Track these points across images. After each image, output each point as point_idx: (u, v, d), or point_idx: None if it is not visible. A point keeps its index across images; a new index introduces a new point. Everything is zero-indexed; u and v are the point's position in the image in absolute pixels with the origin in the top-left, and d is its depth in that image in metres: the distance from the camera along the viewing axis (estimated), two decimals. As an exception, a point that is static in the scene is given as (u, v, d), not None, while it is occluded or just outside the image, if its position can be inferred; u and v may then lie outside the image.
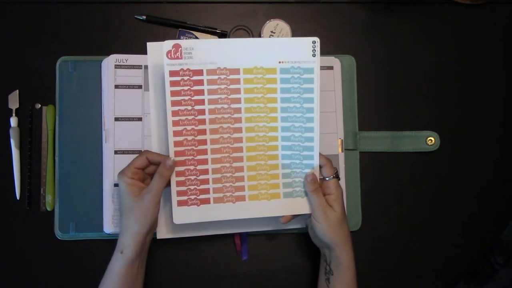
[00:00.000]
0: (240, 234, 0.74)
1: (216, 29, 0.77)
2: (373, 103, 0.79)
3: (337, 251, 0.65)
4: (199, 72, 0.65)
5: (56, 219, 0.72)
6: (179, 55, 0.64)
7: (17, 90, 0.74)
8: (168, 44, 0.64)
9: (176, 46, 0.64)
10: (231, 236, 0.74)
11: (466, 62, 0.81)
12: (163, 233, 0.69)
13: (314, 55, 0.66)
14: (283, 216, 0.68)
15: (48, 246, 0.73)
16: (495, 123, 0.80)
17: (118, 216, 0.69)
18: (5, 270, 0.72)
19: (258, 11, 0.79)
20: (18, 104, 0.74)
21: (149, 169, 0.64)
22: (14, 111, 0.74)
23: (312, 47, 0.66)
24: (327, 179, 0.67)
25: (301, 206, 0.68)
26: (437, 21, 0.81)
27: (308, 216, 0.68)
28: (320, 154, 0.67)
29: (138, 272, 0.63)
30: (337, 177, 0.67)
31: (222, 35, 0.77)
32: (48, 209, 0.73)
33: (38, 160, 0.74)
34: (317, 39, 0.65)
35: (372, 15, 0.80)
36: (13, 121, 0.74)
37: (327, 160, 0.68)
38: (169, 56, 0.64)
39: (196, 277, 0.74)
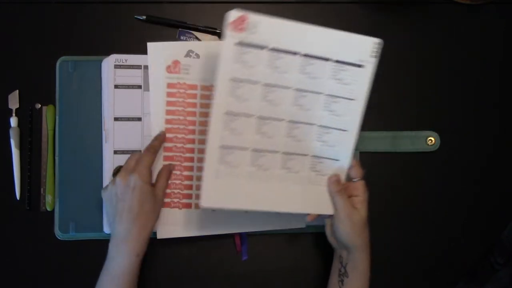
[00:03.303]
0: (240, 234, 0.74)
1: (216, 29, 0.77)
2: (373, 103, 0.78)
3: (356, 254, 0.65)
4: (194, 87, 0.69)
5: (56, 219, 0.72)
6: (177, 70, 0.67)
7: (17, 90, 0.74)
8: (167, 60, 0.67)
9: (175, 63, 0.67)
10: (231, 236, 0.74)
11: (466, 62, 0.80)
12: (163, 233, 0.69)
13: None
14: (309, 214, 0.66)
15: (48, 246, 0.73)
16: (495, 123, 0.80)
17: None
18: (5, 270, 0.73)
19: (258, 11, 0.78)
20: (18, 104, 0.74)
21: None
22: (14, 111, 0.74)
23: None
24: (354, 180, 0.66)
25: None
26: (437, 21, 0.81)
27: (328, 216, 0.67)
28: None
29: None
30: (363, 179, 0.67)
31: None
32: (48, 209, 0.73)
33: (38, 160, 0.74)
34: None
35: (372, 15, 0.80)
36: (13, 121, 0.74)
37: (356, 161, 0.67)
38: (168, 71, 0.67)
39: (196, 277, 0.74)
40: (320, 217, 0.67)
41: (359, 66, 0.64)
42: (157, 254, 0.73)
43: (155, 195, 0.64)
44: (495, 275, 0.95)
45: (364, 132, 0.77)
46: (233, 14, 0.60)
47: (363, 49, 0.64)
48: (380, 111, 0.79)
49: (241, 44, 0.61)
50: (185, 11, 0.78)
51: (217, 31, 0.77)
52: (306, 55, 0.63)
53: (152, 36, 0.76)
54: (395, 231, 0.77)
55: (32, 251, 0.73)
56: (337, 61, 0.64)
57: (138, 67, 0.73)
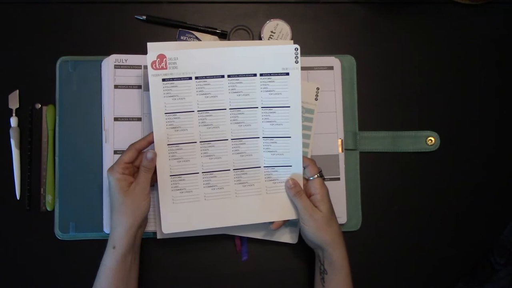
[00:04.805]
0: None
1: (216, 29, 0.77)
2: (373, 103, 0.79)
3: (329, 251, 0.65)
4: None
5: (56, 219, 0.72)
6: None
7: (17, 90, 0.74)
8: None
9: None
10: (231, 236, 0.74)
11: (466, 62, 0.80)
12: (163, 233, 0.69)
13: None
14: (273, 222, 0.68)
15: (48, 246, 0.73)
16: (495, 123, 0.80)
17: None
18: (5, 270, 0.73)
19: (258, 11, 0.79)
20: (18, 104, 0.74)
21: (137, 162, 0.66)
22: (14, 111, 0.74)
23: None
24: (311, 178, 0.67)
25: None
26: (437, 21, 0.81)
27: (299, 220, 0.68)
28: (303, 156, 0.68)
29: (131, 265, 0.64)
30: (321, 176, 0.68)
31: (222, 35, 0.77)
32: (48, 209, 0.73)
33: (38, 160, 0.74)
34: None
35: (372, 15, 0.80)
36: (13, 121, 0.74)
37: (310, 160, 0.68)
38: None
39: (196, 277, 0.74)
40: (285, 223, 0.69)
41: (286, 74, 0.66)
42: (157, 254, 0.73)
43: (132, 190, 0.63)
44: (495, 275, 0.95)
45: (364, 132, 0.77)
46: (151, 56, 0.64)
47: (285, 57, 0.66)
48: (380, 111, 0.79)
49: (167, 79, 0.65)
50: (185, 11, 0.78)
51: (217, 31, 0.77)
52: (230, 76, 0.66)
53: (152, 36, 0.76)
54: (395, 231, 0.77)
55: (32, 251, 0.73)
56: (262, 75, 0.66)
57: (138, 67, 0.73)
